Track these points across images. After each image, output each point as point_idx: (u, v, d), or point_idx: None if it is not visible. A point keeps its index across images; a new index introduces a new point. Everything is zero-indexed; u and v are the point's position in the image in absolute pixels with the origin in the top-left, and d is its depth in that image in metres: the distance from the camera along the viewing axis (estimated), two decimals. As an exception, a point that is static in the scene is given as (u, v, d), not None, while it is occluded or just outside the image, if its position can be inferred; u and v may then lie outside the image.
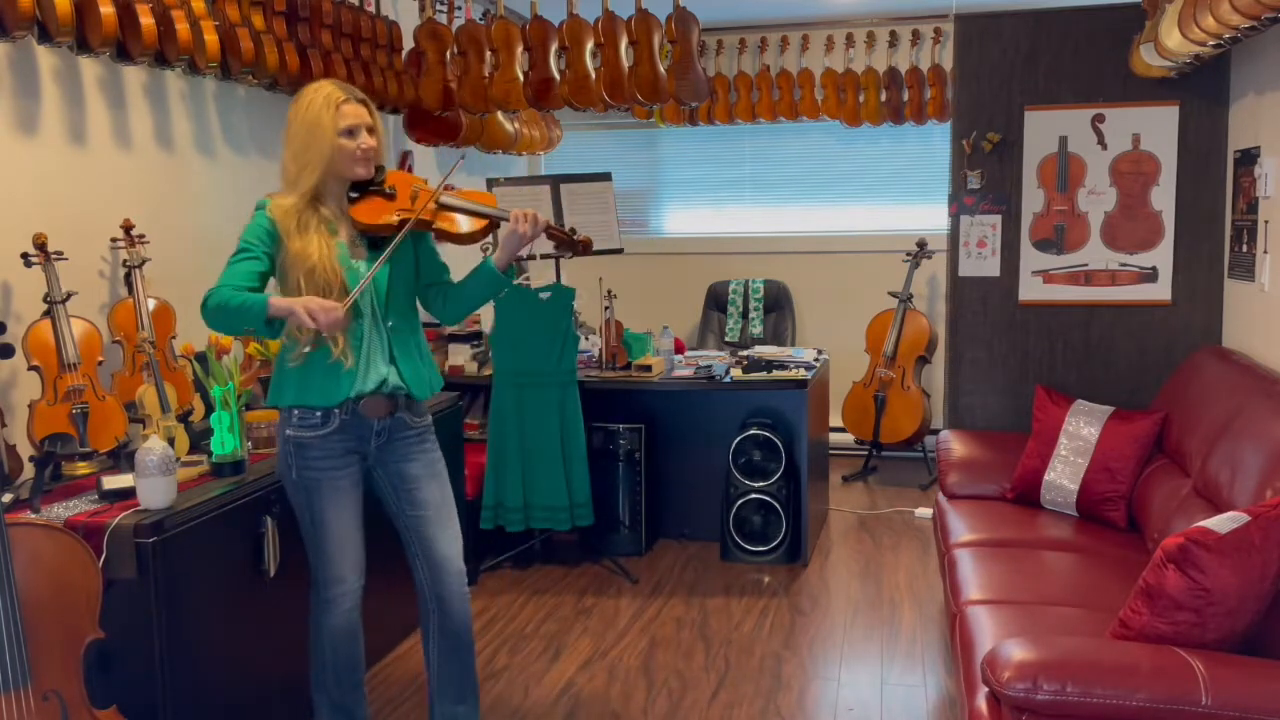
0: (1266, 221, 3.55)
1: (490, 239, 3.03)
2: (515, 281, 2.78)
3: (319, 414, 2.61)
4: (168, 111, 3.72)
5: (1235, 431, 2.97)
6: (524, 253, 2.77)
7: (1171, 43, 3.38)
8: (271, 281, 2.61)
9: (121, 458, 3.04)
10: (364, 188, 2.67)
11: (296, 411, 2.62)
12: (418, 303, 2.83)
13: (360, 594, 2.77)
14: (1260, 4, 2.73)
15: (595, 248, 2.94)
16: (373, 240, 2.68)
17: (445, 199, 2.68)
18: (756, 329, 6.61)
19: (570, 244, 2.74)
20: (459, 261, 2.96)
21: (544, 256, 2.81)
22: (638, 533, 4.77)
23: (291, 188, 2.59)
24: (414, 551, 2.80)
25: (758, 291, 6.67)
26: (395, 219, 2.63)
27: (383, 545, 2.87)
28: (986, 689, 2.19)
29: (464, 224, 2.69)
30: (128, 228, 3.35)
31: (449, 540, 2.78)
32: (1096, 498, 3.57)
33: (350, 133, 2.57)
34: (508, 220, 2.67)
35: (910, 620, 3.98)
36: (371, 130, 2.61)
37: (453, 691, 2.86)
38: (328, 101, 2.56)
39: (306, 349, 2.53)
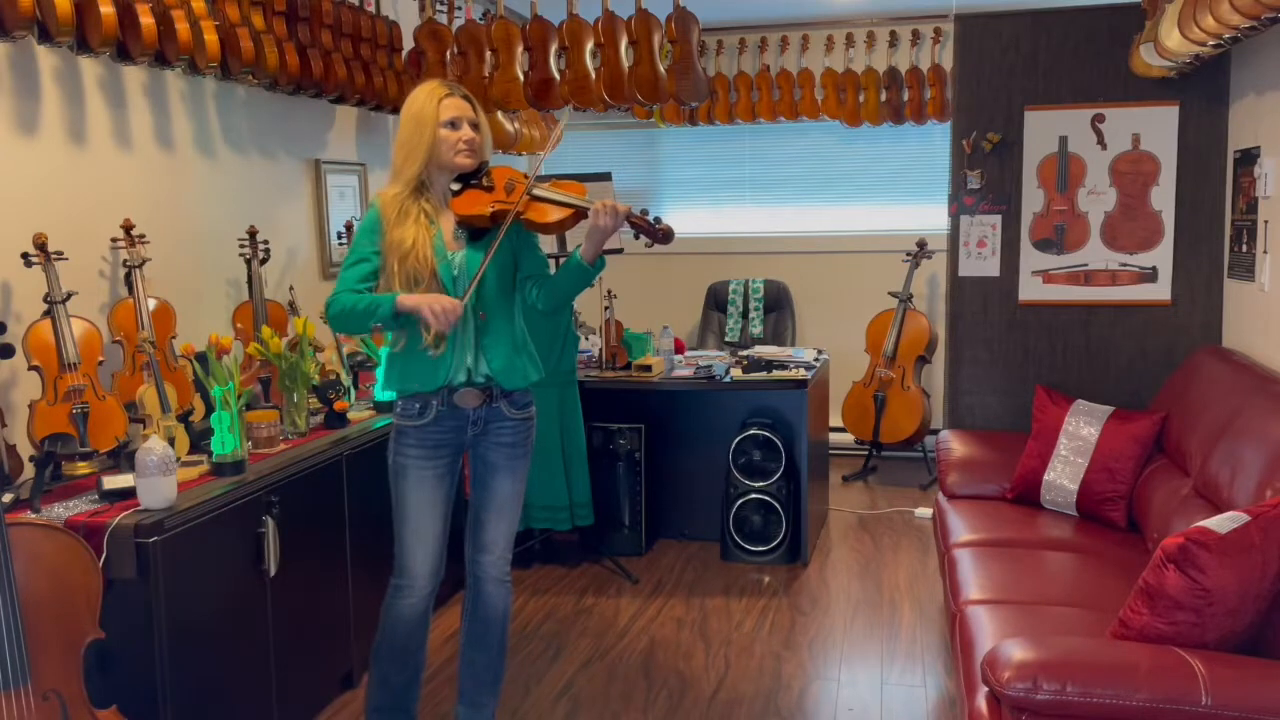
0: (1266, 221, 3.55)
1: None
2: None
3: (418, 404, 2.75)
4: (168, 111, 3.72)
5: (1235, 431, 2.97)
6: (609, 245, 2.85)
7: (1171, 43, 3.38)
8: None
9: (121, 458, 3.04)
10: (467, 181, 2.75)
11: (401, 401, 2.78)
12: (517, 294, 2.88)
13: (429, 595, 2.84)
14: (1260, 4, 2.73)
15: (647, 249, 2.96)
16: (473, 232, 2.75)
17: (536, 190, 2.73)
18: (756, 329, 6.61)
19: (651, 232, 2.76)
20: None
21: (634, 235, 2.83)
22: (638, 533, 4.77)
23: (397, 177, 2.74)
24: (468, 529, 2.90)
25: (758, 291, 6.67)
26: (489, 210, 2.71)
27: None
28: (986, 689, 2.19)
29: (551, 214, 2.73)
30: (128, 228, 3.35)
31: (502, 528, 2.88)
32: (1096, 498, 3.57)
33: (452, 124, 2.70)
34: (594, 207, 2.71)
35: (910, 620, 3.98)
36: (476, 125, 2.74)
37: (475, 680, 2.93)
38: (431, 95, 2.71)
39: (428, 346, 2.67)
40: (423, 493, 2.77)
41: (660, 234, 2.75)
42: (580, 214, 2.73)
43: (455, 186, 2.77)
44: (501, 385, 2.77)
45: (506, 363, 2.76)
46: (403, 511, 2.79)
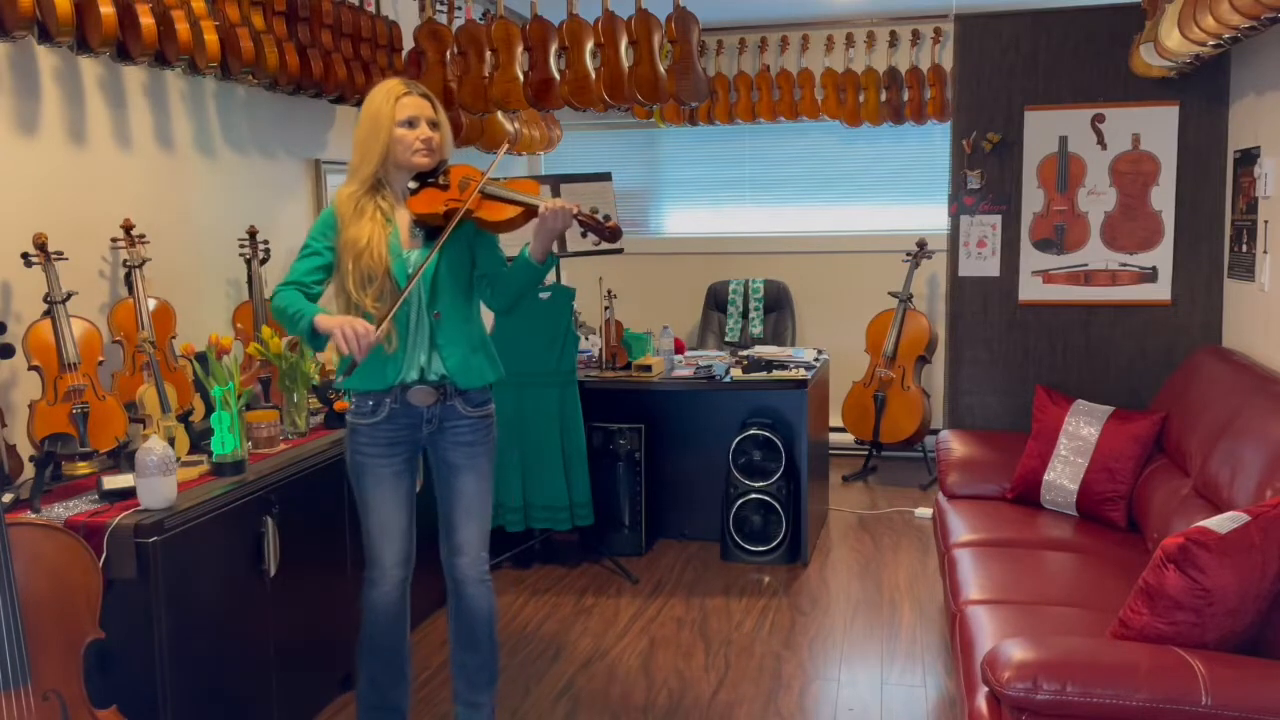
0: (1266, 221, 3.55)
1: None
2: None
3: (370, 401, 2.74)
4: (168, 111, 3.72)
5: (1235, 431, 2.97)
6: (609, 246, 2.86)
7: (1171, 43, 3.38)
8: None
9: (121, 458, 3.04)
10: (424, 180, 2.75)
11: (355, 397, 2.78)
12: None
13: (400, 581, 2.85)
14: (1260, 4, 2.73)
15: (595, 247, 2.95)
16: (429, 231, 2.74)
17: (489, 189, 2.72)
18: (756, 329, 6.61)
19: (599, 229, 2.76)
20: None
21: (576, 254, 2.88)
22: (638, 533, 4.77)
23: (354, 175, 2.74)
24: (441, 533, 2.88)
25: (758, 291, 6.67)
26: (442, 209, 2.71)
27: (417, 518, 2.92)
28: (986, 689, 2.19)
29: (502, 213, 2.73)
30: (128, 228, 3.35)
31: (474, 528, 2.85)
32: (1096, 498, 3.57)
33: (410, 123, 2.69)
34: (543, 206, 2.71)
35: (910, 620, 3.98)
36: (434, 124, 2.72)
37: (467, 679, 2.91)
38: (388, 94, 2.70)
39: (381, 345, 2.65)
40: (383, 489, 2.78)
41: (608, 232, 2.77)
42: (531, 212, 2.73)
43: (413, 185, 2.76)
44: (457, 384, 2.76)
45: (462, 362, 2.75)
46: (366, 508, 2.80)
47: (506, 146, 2.99)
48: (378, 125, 2.68)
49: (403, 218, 2.74)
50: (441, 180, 2.75)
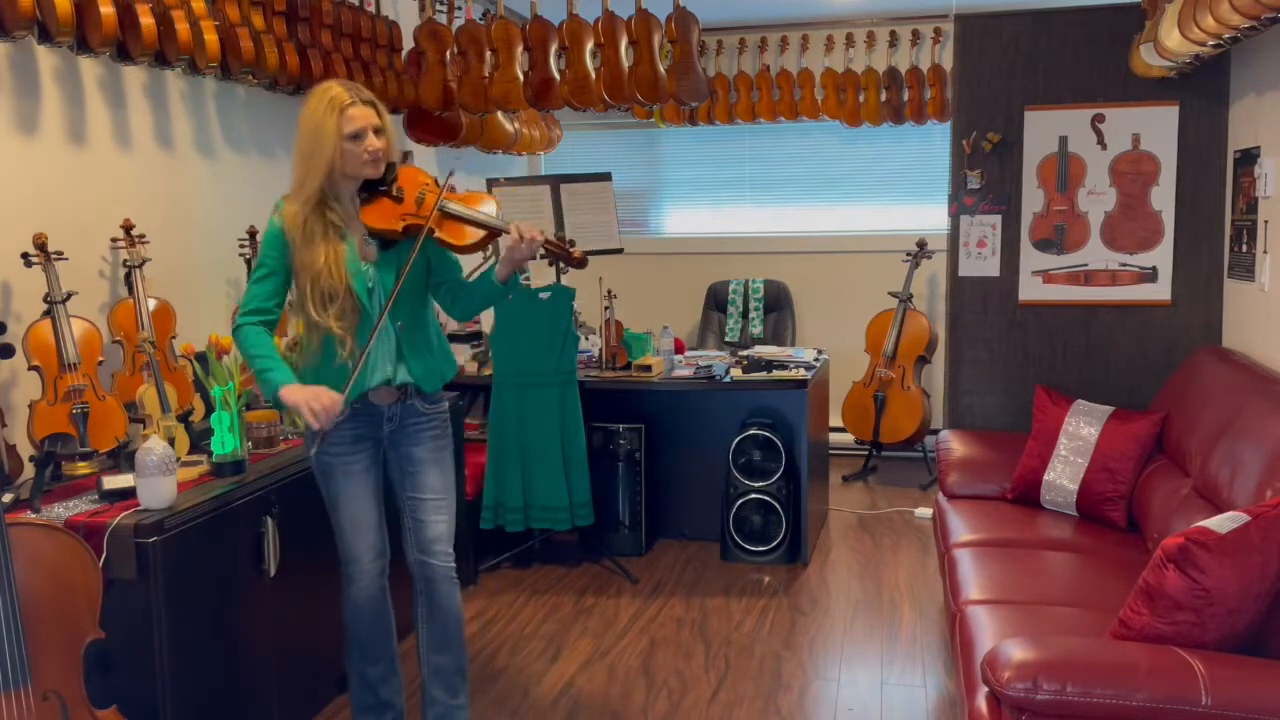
0: (1266, 221, 3.55)
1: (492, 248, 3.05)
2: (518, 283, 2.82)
3: None
4: (168, 111, 3.72)
5: (1235, 431, 2.97)
6: (608, 246, 2.82)
7: (1171, 43, 3.38)
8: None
9: (121, 458, 3.04)
10: (374, 187, 2.69)
11: None
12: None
13: (379, 574, 2.84)
14: (1260, 4, 2.73)
15: (595, 248, 2.95)
16: (384, 241, 2.71)
17: (450, 208, 2.69)
18: (756, 329, 6.61)
19: (566, 257, 2.77)
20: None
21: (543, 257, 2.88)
22: (638, 533, 4.77)
23: (298, 192, 2.63)
24: (407, 532, 2.85)
25: (758, 291, 6.67)
26: (400, 225, 2.67)
27: (397, 528, 2.91)
28: (986, 689, 2.19)
29: (465, 236, 2.70)
30: (128, 228, 3.35)
31: (443, 524, 2.83)
32: (1096, 498, 3.57)
33: (356, 137, 2.58)
34: (508, 232, 2.68)
35: (910, 620, 3.98)
36: (380, 131, 2.63)
37: (443, 682, 2.87)
38: (332, 105, 2.57)
39: (343, 361, 2.63)
40: (353, 486, 2.76)
41: (575, 260, 2.77)
42: (494, 234, 2.71)
43: (363, 194, 2.69)
44: (422, 389, 2.75)
45: (425, 368, 2.75)
46: (336, 508, 2.78)
47: (452, 173, 2.92)
48: (322, 140, 2.56)
49: (355, 230, 2.68)
50: (395, 191, 2.68)
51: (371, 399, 2.72)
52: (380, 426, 2.77)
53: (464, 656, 2.91)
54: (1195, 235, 4.13)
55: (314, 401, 2.52)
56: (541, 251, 2.73)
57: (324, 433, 2.59)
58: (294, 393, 2.55)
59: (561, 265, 2.79)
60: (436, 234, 2.67)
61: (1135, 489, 3.54)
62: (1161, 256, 4.18)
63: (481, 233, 2.70)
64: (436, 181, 2.76)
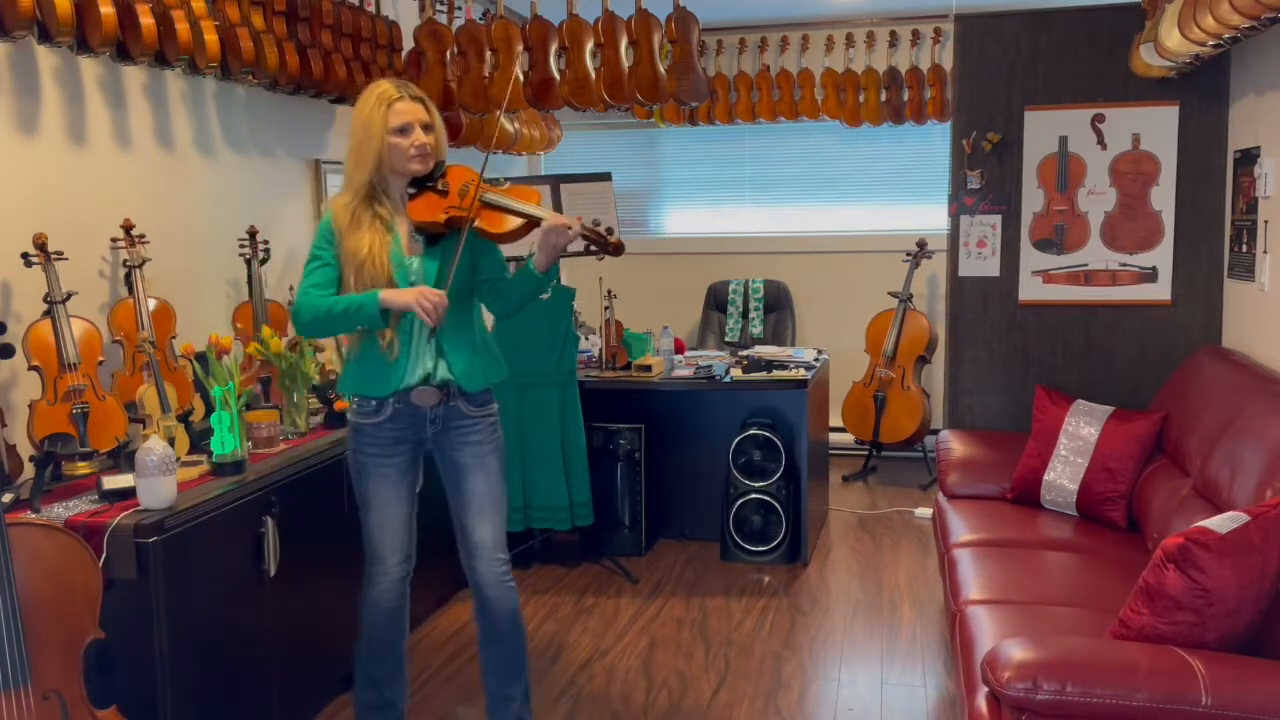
0: (1266, 221, 3.55)
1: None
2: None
3: (373, 402, 2.73)
4: (168, 111, 3.72)
5: (1235, 431, 2.97)
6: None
7: (1171, 43, 3.38)
8: None
9: (121, 458, 3.04)
10: (423, 184, 2.72)
11: (356, 399, 2.77)
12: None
13: (401, 578, 2.85)
14: (1260, 4, 2.73)
15: (588, 251, 2.95)
16: (430, 236, 2.73)
17: (489, 198, 2.70)
18: (756, 329, 6.61)
19: (604, 244, 2.75)
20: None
21: (573, 254, 2.90)
22: (638, 533, 4.77)
23: (348, 184, 2.71)
24: (457, 535, 2.87)
25: (758, 291, 6.67)
26: (443, 217, 2.69)
27: (420, 519, 2.91)
28: (986, 689, 2.19)
29: (505, 224, 2.70)
30: (128, 228, 3.35)
31: (487, 529, 2.83)
32: (1096, 498, 3.57)
33: (403, 130, 2.63)
34: (547, 220, 2.68)
35: (910, 620, 3.98)
36: (428, 127, 2.68)
37: (497, 675, 2.90)
38: (380, 100, 2.64)
39: (383, 351, 2.65)
40: (385, 488, 2.77)
41: (612, 247, 2.76)
42: (533, 223, 2.71)
43: (411, 190, 2.73)
44: (462, 387, 2.75)
45: (467, 366, 2.75)
46: (366, 508, 2.79)
47: (486, 160, 2.93)
48: (370, 133, 2.63)
49: (402, 224, 2.72)
50: (440, 185, 2.72)
51: (414, 400, 2.72)
52: (423, 429, 2.76)
53: (519, 650, 2.90)
54: (1195, 235, 4.13)
55: (423, 299, 2.52)
56: (579, 240, 2.73)
57: (362, 428, 2.59)
58: (399, 294, 2.56)
59: (598, 254, 2.79)
60: (476, 223, 2.68)
61: (1135, 489, 3.54)
62: (1161, 256, 4.18)
63: (520, 221, 2.70)
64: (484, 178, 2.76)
